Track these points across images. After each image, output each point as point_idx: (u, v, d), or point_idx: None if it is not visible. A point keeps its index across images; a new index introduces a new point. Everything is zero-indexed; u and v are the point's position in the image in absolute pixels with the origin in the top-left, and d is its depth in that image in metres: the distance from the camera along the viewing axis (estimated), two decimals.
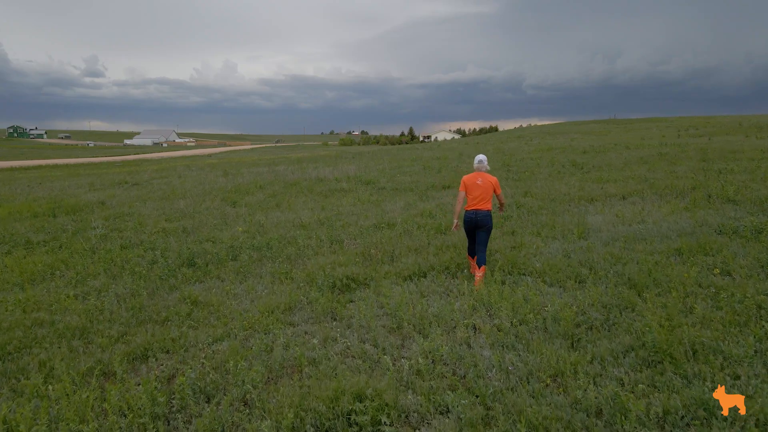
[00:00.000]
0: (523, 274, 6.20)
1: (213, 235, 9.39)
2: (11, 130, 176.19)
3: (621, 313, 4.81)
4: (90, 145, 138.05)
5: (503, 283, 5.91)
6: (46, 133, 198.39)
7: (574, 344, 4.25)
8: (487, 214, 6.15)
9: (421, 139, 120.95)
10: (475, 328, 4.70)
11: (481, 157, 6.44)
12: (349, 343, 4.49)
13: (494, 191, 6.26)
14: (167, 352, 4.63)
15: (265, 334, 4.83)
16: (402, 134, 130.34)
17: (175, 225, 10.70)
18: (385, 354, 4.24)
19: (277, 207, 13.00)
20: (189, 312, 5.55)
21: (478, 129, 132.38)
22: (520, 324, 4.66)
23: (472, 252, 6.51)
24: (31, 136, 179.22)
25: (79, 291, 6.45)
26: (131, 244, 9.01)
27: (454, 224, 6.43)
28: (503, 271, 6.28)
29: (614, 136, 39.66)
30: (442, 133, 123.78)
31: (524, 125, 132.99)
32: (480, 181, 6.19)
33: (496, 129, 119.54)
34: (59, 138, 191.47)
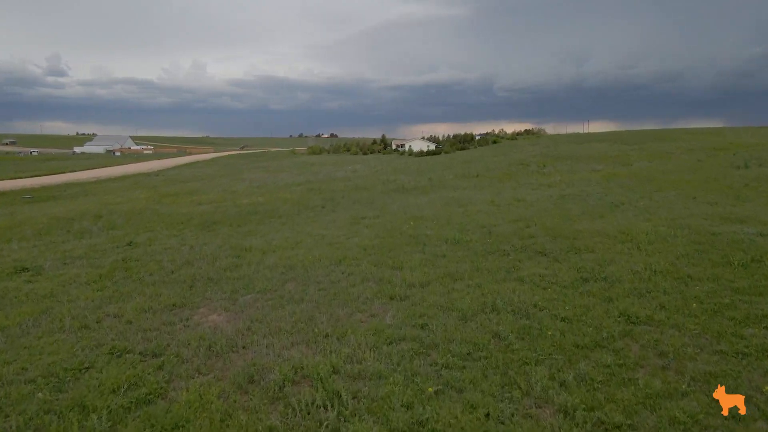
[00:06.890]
0: None
1: None
2: None
3: None
4: (33, 153, 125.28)
5: None
6: None
7: None
8: None
9: (394, 147, 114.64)
10: None
11: None
12: None
13: None
14: None
15: None
16: (374, 141, 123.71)
17: None
18: None
19: None
20: None
21: (452, 136, 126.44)
22: None
23: None
24: None
25: None
26: None
27: None
28: None
29: (645, 166, 31.02)
30: (417, 141, 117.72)
31: (496, 130, 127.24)
32: None
33: (471, 137, 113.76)
34: (4, 144, 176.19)
